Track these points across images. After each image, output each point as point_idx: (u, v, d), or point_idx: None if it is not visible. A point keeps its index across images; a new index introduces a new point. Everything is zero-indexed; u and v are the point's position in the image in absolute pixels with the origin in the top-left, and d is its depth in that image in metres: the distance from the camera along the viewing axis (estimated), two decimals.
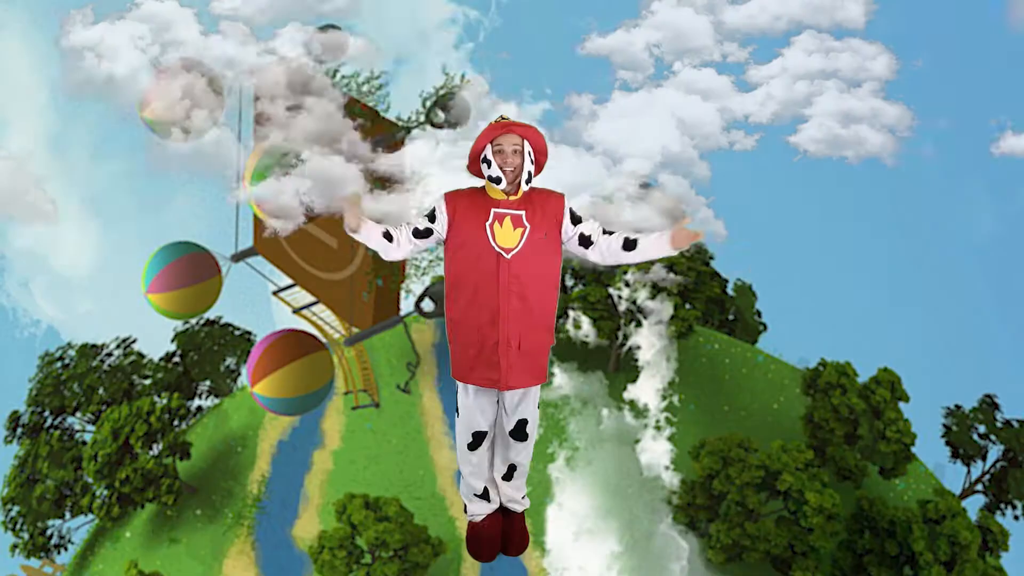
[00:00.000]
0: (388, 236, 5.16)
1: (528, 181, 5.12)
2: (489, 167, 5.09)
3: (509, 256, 5.09)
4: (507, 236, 5.09)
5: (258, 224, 19.77)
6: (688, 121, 28.37)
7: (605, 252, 5.27)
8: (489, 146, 5.11)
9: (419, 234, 5.19)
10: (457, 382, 5.44)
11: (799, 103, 29.83)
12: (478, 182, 5.28)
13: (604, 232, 5.28)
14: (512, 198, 5.15)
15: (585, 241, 5.26)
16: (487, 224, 5.10)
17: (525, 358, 5.21)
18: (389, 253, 5.19)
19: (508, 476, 5.65)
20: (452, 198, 5.19)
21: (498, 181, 5.08)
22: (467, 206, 5.15)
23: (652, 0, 31.46)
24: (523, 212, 5.14)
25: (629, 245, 5.24)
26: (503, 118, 5.15)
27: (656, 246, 5.20)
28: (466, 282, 5.16)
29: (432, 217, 5.18)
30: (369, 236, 5.11)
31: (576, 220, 5.23)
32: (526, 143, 5.10)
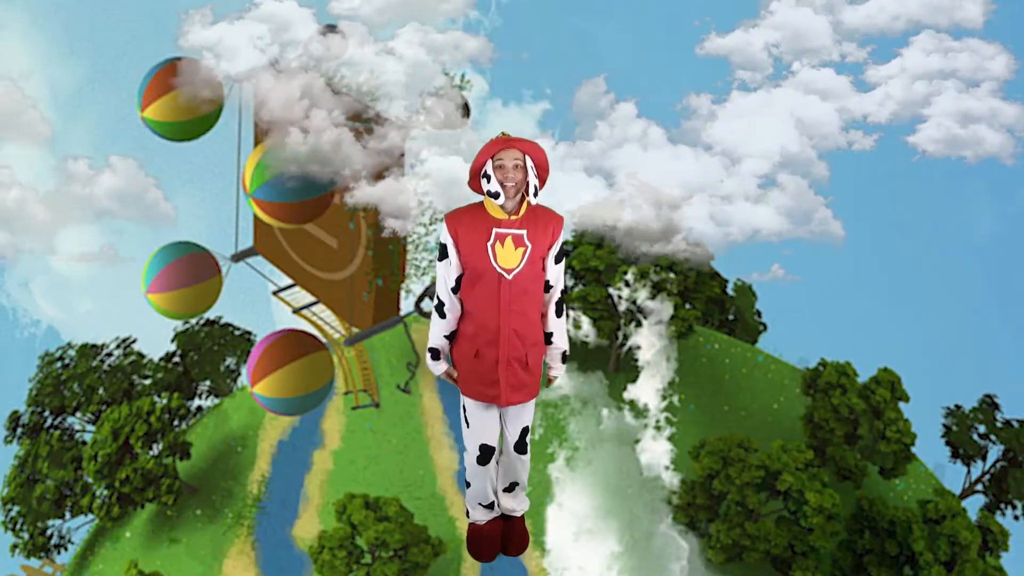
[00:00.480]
0: (449, 337, 5.29)
1: (535, 195, 5.09)
2: (488, 182, 5.03)
3: (510, 277, 5.09)
4: (508, 257, 5.07)
5: (258, 224, 19.78)
6: (807, 121, 28.31)
7: (545, 310, 5.35)
8: (490, 161, 5.05)
9: (456, 286, 5.21)
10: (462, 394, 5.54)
11: (918, 103, 29.72)
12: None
13: (555, 301, 5.34)
14: (513, 217, 5.11)
15: (545, 286, 5.29)
16: (488, 245, 5.08)
17: (526, 375, 5.28)
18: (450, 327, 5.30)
19: (510, 490, 5.75)
20: (453, 221, 5.15)
21: (497, 196, 5.02)
22: (468, 225, 5.11)
23: (771, 0, 31.38)
24: (524, 231, 5.11)
25: (547, 338, 5.36)
26: (504, 134, 5.10)
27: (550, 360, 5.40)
28: (466, 301, 5.18)
29: (445, 253, 5.15)
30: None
31: (557, 259, 5.25)
32: (528, 158, 5.04)
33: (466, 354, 5.25)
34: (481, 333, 5.17)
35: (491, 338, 5.15)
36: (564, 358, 5.49)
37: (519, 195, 5.08)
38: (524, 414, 5.45)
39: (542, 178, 5.09)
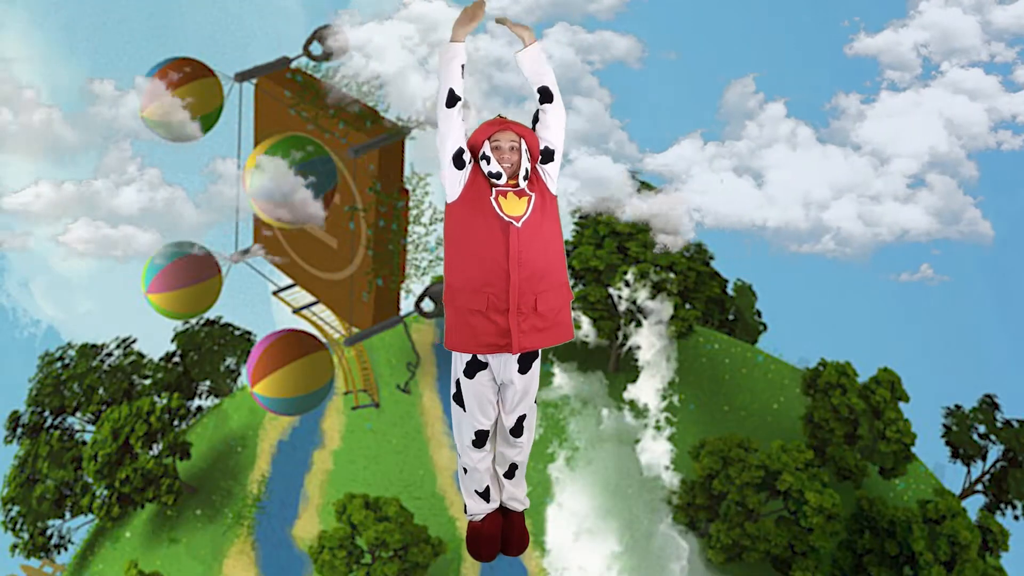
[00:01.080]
0: (454, 97, 5.01)
1: (526, 178, 5.04)
2: (488, 163, 5.02)
3: (519, 224, 5.00)
4: (514, 206, 5.01)
5: (258, 224, 19.77)
6: (955, 121, 28.15)
7: (544, 118, 5.16)
8: (487, 142, 5.05)
9: (458, 158, 5.05)
10: (456, 369, 5.24)
11: None
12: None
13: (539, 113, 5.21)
14: (511, 180, 5.08)
15: (534, 121, 5.19)
16: (491, 198, 5.02)
17: (543, 318, 5.09)
18: (442, 112, 5.02)
19: (510, 474, 5.59)
20: (474, 165, 5.10)
21: (498, 176, 5.01)
22: (473, 175, 5.07)
23: (920, 0, 31.19)
24: (524, 185, 5.09)
25: (543, 96, 5.17)
26: (500, 117, 5.09)
27: (531, 60, 5.14)
28: (472, 250, 5.05)
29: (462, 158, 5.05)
30: (453, 63, 4.99)
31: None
32: (523, 141, 5.05)
33: (468, 307, 5.04)
34: (490, 280, 4.99)
35: (502, 287, 4.99)
36: (541, 95, 5.19)
37: (517, 175, 5.07)
38: (530, 387, 5.23)
39: (535, 158, 5.11)
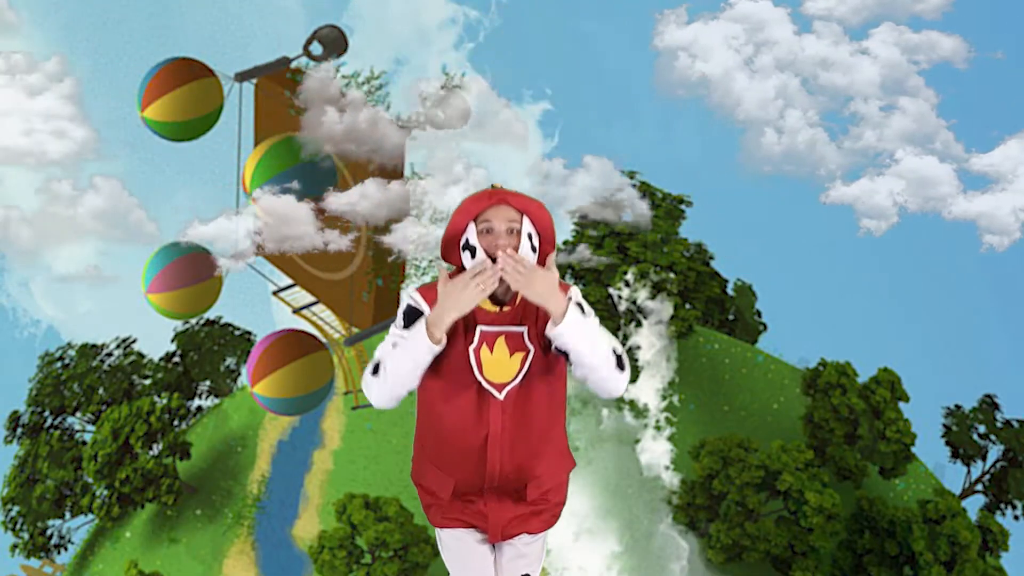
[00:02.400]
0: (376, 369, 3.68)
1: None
2: (473, 256, 3.57)
3: (502, 395, 3.63)
4: (501, 366, 3.61)
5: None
6: None
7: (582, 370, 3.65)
8: (472, 225, 3.59)
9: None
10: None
11: None
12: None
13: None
14: (507, 309, 3.62)
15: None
16: (471, 349, 3.60)
17: (534, 505, 3.87)
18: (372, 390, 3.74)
19: None
20: (428, 297, 3.62)
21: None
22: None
23: None
24: (524, 328, 3.62)
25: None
26: (495, 187, 3.66)
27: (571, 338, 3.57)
28: (437, 422, 3.79)
29: (414, 319, 3.61)
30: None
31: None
32: (526, 220, 3.60)
33: (437, 484, 3.84)
34: (462, 461, 3.74)
35: (475, 469, 3.73)
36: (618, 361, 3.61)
37: (512, 298, 3.64)
38: (529, 558, 3.98)
39: (545, 251, 3.65)
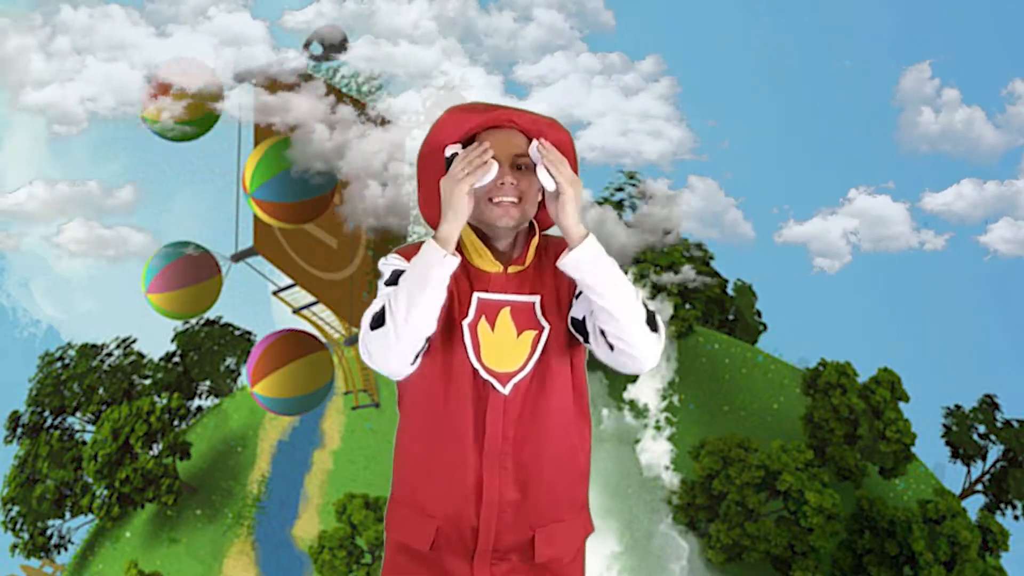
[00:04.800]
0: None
1: (544, 228, 2.73)
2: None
3: (507, 388, 2.67)
4: (505, 349, 2.65)
5: (258, 224, 19.78)
6: None
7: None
8: (458, 149, 2.65)
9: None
10: None
11: None
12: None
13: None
14: (513, 269, 2.70)
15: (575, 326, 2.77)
16: (466, 324, 2.66)
17: (544, 571, 2.81)
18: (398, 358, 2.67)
19: None
20: (406, 254, 2.73)
21: (488, 238, 2.70)
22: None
23: None
24: (537, 298, 2.70)
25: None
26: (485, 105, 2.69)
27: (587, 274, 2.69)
28: (422, 427, 2.73)
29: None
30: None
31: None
32: (540, 147, 2.57)
33: (413, 531, 2.84)
34: (449, 488, 2.69)
35: (460, 516, 2.70)
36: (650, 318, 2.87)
37: (524, 223, 2.68)
38: None
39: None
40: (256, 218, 19.08)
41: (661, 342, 2.87)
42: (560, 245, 2.66)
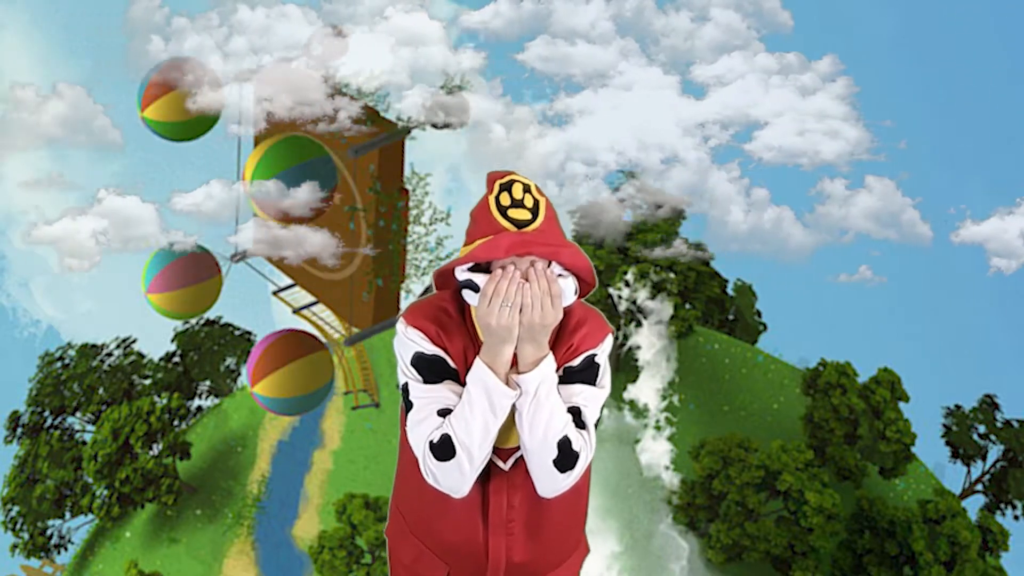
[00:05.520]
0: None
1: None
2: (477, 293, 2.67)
3: (507, 464, 2.75)
4: (506, 427, 2.68)
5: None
6: None
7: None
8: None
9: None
10: None
11: None
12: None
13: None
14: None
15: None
16: None
17: None
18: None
19: None
20: (426, 330, 2.71)
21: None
22: (450, 342, 2.74)
23: None
24: None
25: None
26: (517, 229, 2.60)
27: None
28: (428, 492, 2.78)
29: (430, 368, 2.70)
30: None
31: (574, 374, 2.77)
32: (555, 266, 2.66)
33: (423, 567, 2.94)
34: (451, 550, 2.85)
35: (471, 564, 2.85)
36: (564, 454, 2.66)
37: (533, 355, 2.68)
38: None
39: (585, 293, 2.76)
40: (256, 218, 19.08)
41: (567, 478, 2.69)
42: (588, 322, 2.78)
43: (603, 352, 2.76)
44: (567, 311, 2.71)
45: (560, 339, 2.72)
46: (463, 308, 2.74)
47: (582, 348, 2.73)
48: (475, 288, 2.61)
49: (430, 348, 2.69)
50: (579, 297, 2.72)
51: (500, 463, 2.72)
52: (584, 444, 2.67)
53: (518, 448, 2.71)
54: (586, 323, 2.75)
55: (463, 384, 2.67)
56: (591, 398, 2.73)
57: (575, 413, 2.69)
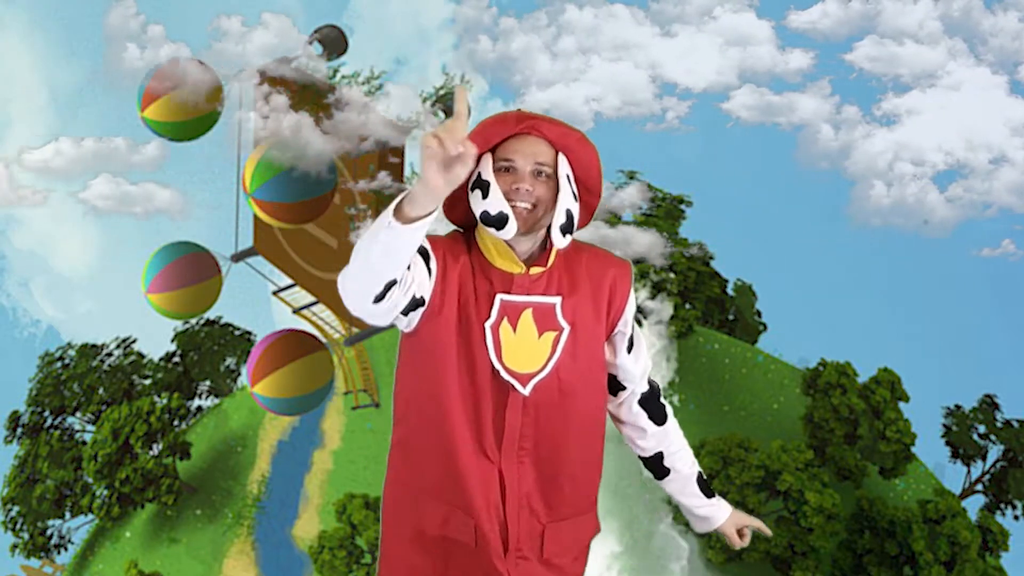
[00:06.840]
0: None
1: (566, 231, 2.61)
2: (485, 196, 2.57)
3: (527, 388, 2.68)
4: (526, 351, 2.64)
5: (258, 224, 19.79)
6: None
7: (625, 418, 3.09)
8: (489, 156, 2.60)
9: (412, 305, 2.61)
10: None
11: None
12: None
13: (645, 394, 2.98)
14: (535, 270, 2.68)
15: (615, 384, 2.91)
16: (487, 325, 2.63)
17: (548, 568, 2.81)
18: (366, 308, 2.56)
19: None
20: (439, 249, 2.68)
21: (501, 223, 2.56)
22: (457, 277, 2.67)
23: None
24: (557, 299, 2.68)
25: (654, 462, 3.21)
26: (521, 112, 2.66)
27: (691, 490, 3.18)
28: (430, 426, 2.82)
29: (427, 265, 2.63)
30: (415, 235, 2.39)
31: (630, 346, 2.85)
32: (563, 160, 2.62)
33: (422, 514, 2.86)
34: (463, 490, 2.72)
35: (477, 505, 2.71)
36: (706, 485, 3.20)
37: (540, 226, 2.64)
38: None
39: (591, 204, 2.70)
40: (256, 218, 19.09)
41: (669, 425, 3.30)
42: (589, 250, 2.77)
43: (633, 303, 2.85)
44: (580, 246, 2.76)
45: (584, 280, 2.72)
46: (471, 244, 2.72)
47: (623, 295, 2.78)
48: (484, 187, 2.58)
49: (430, 255, 2.65)
50: (585, 219, 2.71)
51: (520, 387, 2.67)
52: (666, 406, 3.16)
53: (537, 372, 2.68)
54: (606, 262, 2.78)
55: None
56: (647, 361, 2.95)
57: (654, 387, 3.01)
